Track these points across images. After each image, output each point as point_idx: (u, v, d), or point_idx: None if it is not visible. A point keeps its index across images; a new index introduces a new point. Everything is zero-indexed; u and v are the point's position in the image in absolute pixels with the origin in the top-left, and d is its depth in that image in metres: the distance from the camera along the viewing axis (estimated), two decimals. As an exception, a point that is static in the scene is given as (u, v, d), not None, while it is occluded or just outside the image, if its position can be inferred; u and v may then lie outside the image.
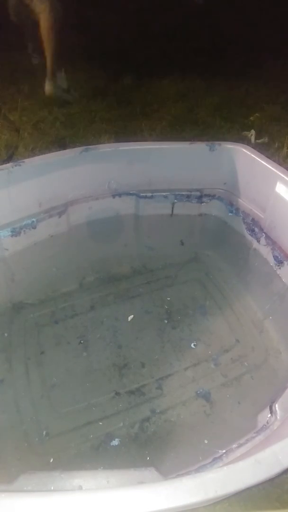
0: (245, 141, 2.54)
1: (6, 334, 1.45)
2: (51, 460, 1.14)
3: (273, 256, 1.43)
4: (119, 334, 1.47)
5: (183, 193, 1.63)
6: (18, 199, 1.38)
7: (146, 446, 1.18)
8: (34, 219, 1.44)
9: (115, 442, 1.19)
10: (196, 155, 1.54)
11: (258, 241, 1.50)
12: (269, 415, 1.12)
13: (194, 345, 1.45)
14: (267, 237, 1.46)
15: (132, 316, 1.54)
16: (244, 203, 1.56)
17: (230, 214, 1.63)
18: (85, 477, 1.08)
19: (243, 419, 1.21)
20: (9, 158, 2.32)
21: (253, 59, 3.73)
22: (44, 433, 1.20)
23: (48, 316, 1.52)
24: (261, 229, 1.49)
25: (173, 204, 1.65)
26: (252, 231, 1.53)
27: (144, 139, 2.52)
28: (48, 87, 3.04)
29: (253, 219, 1.53)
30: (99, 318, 1.52)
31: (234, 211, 1.61)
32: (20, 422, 1.22)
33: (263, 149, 2.41)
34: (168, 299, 1.61)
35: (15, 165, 1.32)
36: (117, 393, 1.30)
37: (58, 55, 2.96)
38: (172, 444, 1.18)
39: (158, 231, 1.72)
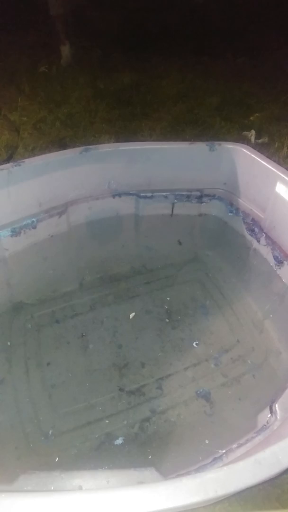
0: (245, 141, 2.54)
1: (6, 335, 1.45)
2: (56, 459, 1.14)
3: (273, 256, 1.43)
4: (119, 334, 1.47)
5: (183, 193, 1.63)
6: (18, 199, 1.37)
7: (146, 446, 1.18)
8: (34, 219, 1.44)
9: (119, 441, 1.18)
10: (196, 155, 1.54)
11: (258, 241, 1.50)
12: (269, 415, 1.12)
13: (196, 344, 1.45)
14: (267, 237, 1.46)
15: (133, 313, 1.54)
16: (244, 203, 1.55)
17: (230, 214, 1.63)
18: (85, 477, 1.08)
19: (243, 419, 1.21)
20: (9, 158, 2.32)
21: (253, 59, 3.73)
22: (50, 432, 1.20)
23: (48, 316, 1.52)
24: (261, 229, 1.49)
25: (173, 204, 1.65)
26: (252, 231, 1.53)
27: (144, 139, 2.53)
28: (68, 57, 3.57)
29: (253, 219, 1.53)
30: (99, 318, 1.52)
31: (234, 211, 1.61)
32: (20, 422, 1.22)
33: (263, 149, 2.41)
34: (168, 299, 1.61)
35: (15, 165, 1.32)
36: (121, 389, 1.30)
37: None
38: (172, 444, 1.18)
39: (158, 231, 1.71)
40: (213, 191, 1.64)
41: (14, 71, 3.38)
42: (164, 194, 1.63)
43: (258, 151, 1.47)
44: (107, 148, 1.52)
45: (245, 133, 2.66)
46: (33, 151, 2.40)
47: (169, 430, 1.22)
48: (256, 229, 1.51)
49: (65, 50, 3.65)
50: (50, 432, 1.20)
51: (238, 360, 1.40)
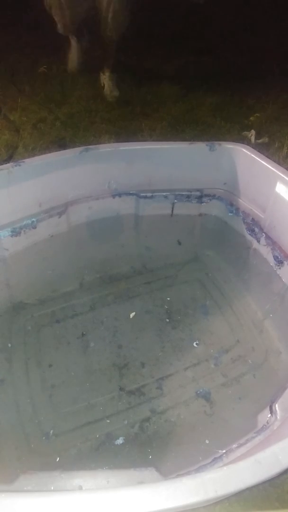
0: (245, 141, 2.54)
1: (6, 336, 1.45)
2: (57, 459, 1.14)
3: (273, 256, 1.43)
4: (119, 334, 1.47)
5: (183, 193, 1.63)
6: (18, 199, 1.38)
7: (147, 446, 1.18)
8: (34, 219, 1.44)
9: (119, 441, 1.18)
10: (196, 155, 1.54)
11: (258, 241, 1.50)
12: (269, 415, 1.12)
13: (196, 344, 1.45)
14: (267, 237, 1.46)
15: (134, 313, 1.54)
16: (244, 203, 1.56)
17: (230, 214, 1.63)
18: (85, 477, 1.08)
19: (243, 419, 1.21)
20: (9, 158, 2.32)
21: (253, 59, 3.73)
22: (51, 432, 1.20)
23: (48, 316, 1.52)
24: (261, 229, 1.49)
25: (173, 204, 1.65)
26: (252, 231, 1.53)
27: (144, 139, 2.52)
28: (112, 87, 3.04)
29: (253, 219, 1.53)
30: (99, 318, 1.52)
31: (234, 211, 1.61)
32: (20, 422, 1.22)
33: (263, 149, 2.41)
34: (168, 299, 1.61)
35: (15, 165, 1.32)
36: (121, 389, 1.30)
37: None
38: (172, 444, 1.18)
39: (158, 231, 1.72)
40: (213, 191, 1.64)
41: (14, 71, 3.38)
42: (164, 194, 1.63)
43: (258, 151, 1.47)
44: (107, 148, 1.52)
45: (245, 133, 2.66)
46: (33, 151, 2.40)
47: (169, 430, 1.22)
48: (256, 229, 1.51)
49: (73, 56, 3.37)
50: (51, 432, 1.20)
51: (238, 360, 1.40)
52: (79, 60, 3.13)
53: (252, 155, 1.45)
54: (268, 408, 1.14)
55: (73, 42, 3.18)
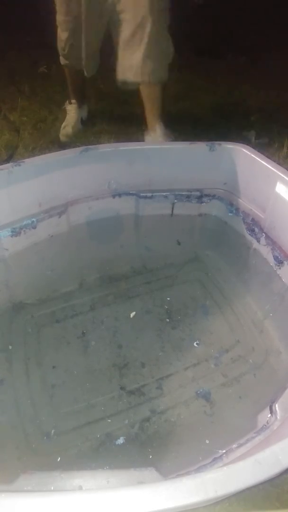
0: (245, 141, 2.54)
1: (6, 336, 1.45)
2: (58, 459, 1.14)
3: (273, 256, 1.43)
4: (119, 334, 1.47)
5: (183, 193, 1.63)
6: (18, 199, 1.37)
7: (147, 446, 1.18)
8: (34, 219, 1.44)
9: (120, 440, 1.18)
10: (196, 155, 1.54)
11: (258, 241, 1.50)
12: (269, 415, 1.12)
13: (196, 344, 1.45)
14: (267, 237, 1.46)
15: (134, 313, 1.54)
16: (244, 203, 1.56)
17: (230, 214, 1.63)
18: (85, 477, 1.08)
19: (243, 419, 1.21)
20: (9, 158, 2.33)
21: (253, 59, 3.73)
22: (52, 432, 1.20)
23: (48, 316, 1.52)
24: (261, 229, 1.49)
25: (173, 204, 1.65)
26: (252, 231, 1.53)
27: (144, 139, 2.52)
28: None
29: (253, 219, 1.53)
30: (99, 318, 1.52)
31: (234, 211, 1.61)
32: (21, 422, 1.22)
33: (263, 149, 2.41)
34: (168, 299, 1.61)
35: (15, 165, 1.32)
36: (121, 389, 1.30)
37: None
38: (172, 444, 1.18)
39: (158, 231, 1.72)
40: (213, 191, 1.64)
41: (14, 71, 3.39)
42: (164, 194, 1.63)
43: (258, 151, 1.47)
44: (107, 148, 1.52)
45: (245, 133, 2.66)
46: (33, 151, 2.40)
47: (169, 430, 1.22)
48: (256, 229, 1.51)
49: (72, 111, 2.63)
50: (52, 432, 1.20)
51: (238, 360, 1.40)
52: (74, 129, 2.62)
53: (252, 155, 1.45)
54: (268, 408, 1.14)
55: (72, 108, 2.65)
